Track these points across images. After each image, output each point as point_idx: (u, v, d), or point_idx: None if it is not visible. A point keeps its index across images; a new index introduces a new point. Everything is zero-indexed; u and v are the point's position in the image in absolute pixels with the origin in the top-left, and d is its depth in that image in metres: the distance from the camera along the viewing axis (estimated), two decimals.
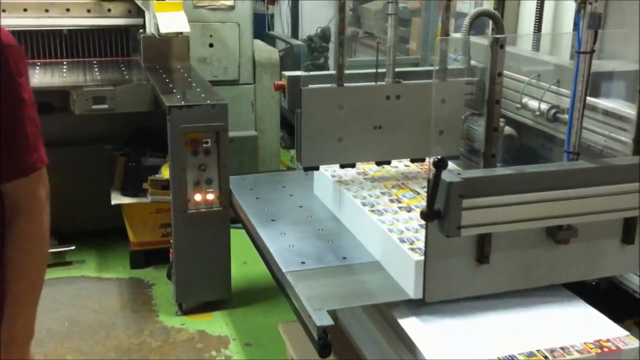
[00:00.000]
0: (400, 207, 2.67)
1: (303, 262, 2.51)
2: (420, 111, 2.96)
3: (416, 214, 2.57)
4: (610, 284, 2.45)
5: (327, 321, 2.08)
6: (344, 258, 2.54)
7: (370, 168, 3.10)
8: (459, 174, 1.74)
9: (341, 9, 2.86)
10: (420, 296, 2.20)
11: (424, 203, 2.46)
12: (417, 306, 2.23)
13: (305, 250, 2.61)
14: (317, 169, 3.04)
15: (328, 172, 3.03)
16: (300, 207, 3.04)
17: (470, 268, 1.93)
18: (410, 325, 2.18)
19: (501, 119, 2.68)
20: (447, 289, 1.95)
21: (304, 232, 2.77)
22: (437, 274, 1.91)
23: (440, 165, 1.68)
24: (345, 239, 2.70)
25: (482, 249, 1.90)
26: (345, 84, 2.90)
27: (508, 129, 2.96)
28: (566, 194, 1.80)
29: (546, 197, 1.79)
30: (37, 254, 1.68)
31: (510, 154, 3.04)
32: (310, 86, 2.89)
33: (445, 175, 1.71)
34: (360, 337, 2.67)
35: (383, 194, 2.81)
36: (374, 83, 2.98)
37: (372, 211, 2.63)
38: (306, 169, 2.98)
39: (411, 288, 2.20)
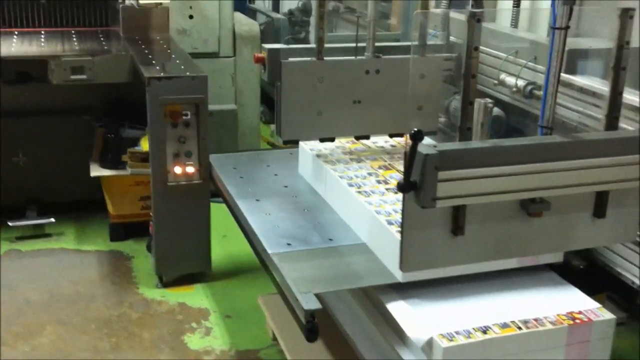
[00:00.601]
0: (387, 189, 2.65)
1: (289, 244, 2.48)
2: (399, 86, 2.98)
3: None
4: (584, 259, 2.51)
5: (315, 305, 2.08)
6: (330, 240, 2.53)
7: (357, 148, 3.09)
8: (434, 146, 1.77)
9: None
10: (408, 279, 2.21)
11: None
12: (403, 288, 2.25)
13: (290, 231, 2.59)
14: (296, 142, 3.05)
15: (313, 151, 3.02)
16: (285, 187, 3.02)
17: (445, 239, 1.96)
18: (396, 307, 2.21)
19: (489, 100, 2.72)
20: (423, 260, 1.98)
21: (289, 213, 2.75)
22: (413, 245, 1.93)
23: (416, 137, 1.70)
24: (331, 220, 2.69)
25: (457, 220, 1.93)
26: (325, 58, 2.91)
27: (496, 110, 2.96)
28: (539, 167, 1.84)
29: (519, 170, 1.82)
30: None
31: (499, 135, 3.07)
32: (290, 59, 2.90)
33: (422, 148, 1.74)
34: (345, 319, 2.68)
35: (370, 174, 2.79)
36: (354, 57, 2.99)
37: (359, 192, 2.62)
38: (285, 142, 2.99)
39: (399, 271, 2.21)
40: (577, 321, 2.26)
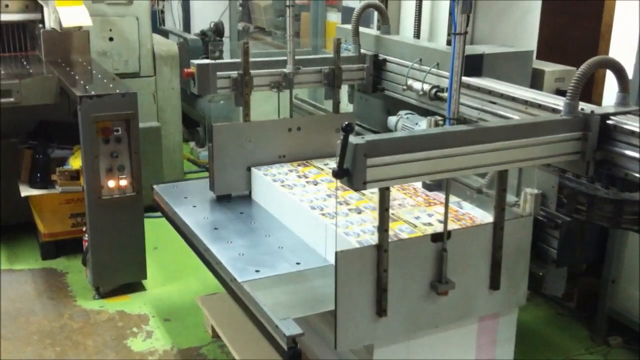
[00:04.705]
0: (350, 210, 2.69)
1: (257, 271, 2.49)
2: (318, 141, 3.26)
3: (367, 215, 2.65)
4: None
5: (295, 330, 2.11)
6: (298, 263, 2.55)
7: (310, 171, 3.14)
8: (362, 137, 2.06)
9: (245, 52, 3.13)
10: None
11: (371, 203, 2.69)
12: None
13: (256, 257, 2.60)
14: (229, 196, 3.20)
15: (268, 176, 3.06)
16: (241, 213, 3.03)
17: (371, 321, 2.21)
18: None
19: (439, 117, 3.02)
20: (354, 339, 2.21)
21: (251, 239, 2.76)
22: (346, 327, 2.16)
23: (347, 129, 1.99)
24: (294, 243, 2.71)
25: (381, 304, 2.19)
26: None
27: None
28: (449, 151, 2.15)
29: (433, 155, 2.12)
30: None
31: None
32: (220, 123, 3.12)
33: (352, 139, 2.02)
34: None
35: (329, 196, 2.81)
36: (277, 118, 3.28)
37: (323, 215, 2.65)
38: (219, 198, 3.16)
39: None
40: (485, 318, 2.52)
